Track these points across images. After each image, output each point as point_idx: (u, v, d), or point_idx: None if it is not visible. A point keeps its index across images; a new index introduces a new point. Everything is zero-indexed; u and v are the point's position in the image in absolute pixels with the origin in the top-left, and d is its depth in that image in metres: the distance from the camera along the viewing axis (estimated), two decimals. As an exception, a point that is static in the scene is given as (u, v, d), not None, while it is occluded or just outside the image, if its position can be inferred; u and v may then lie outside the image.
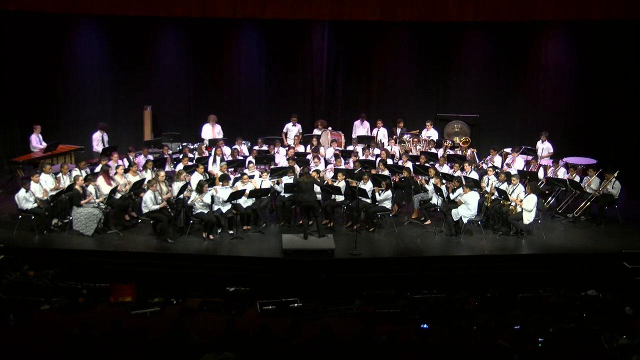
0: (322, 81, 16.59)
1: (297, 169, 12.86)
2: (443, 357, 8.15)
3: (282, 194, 12.20)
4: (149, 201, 11.23)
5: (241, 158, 13.83)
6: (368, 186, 12.02)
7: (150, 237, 11.50)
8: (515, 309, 10.09)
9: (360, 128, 15.83)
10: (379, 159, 13.54)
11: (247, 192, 11.81)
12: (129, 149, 13.88)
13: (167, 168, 13.32)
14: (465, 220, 11.69)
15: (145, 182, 11.86)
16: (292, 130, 15.55)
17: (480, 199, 11.92)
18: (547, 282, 10.68)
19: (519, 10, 14.23)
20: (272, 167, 13.27)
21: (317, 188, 11.79)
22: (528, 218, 11.51)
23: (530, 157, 14.22)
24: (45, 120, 15.27)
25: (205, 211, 11.41)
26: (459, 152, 14.68)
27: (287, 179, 12.23)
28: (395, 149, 14.73)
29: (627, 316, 9.88)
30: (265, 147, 14.48)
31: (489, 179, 12.58)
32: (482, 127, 16.62)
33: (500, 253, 11.27)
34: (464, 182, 12.03)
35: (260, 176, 12.42)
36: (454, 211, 11.70)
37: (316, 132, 15.38)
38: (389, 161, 13.62)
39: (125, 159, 13.29)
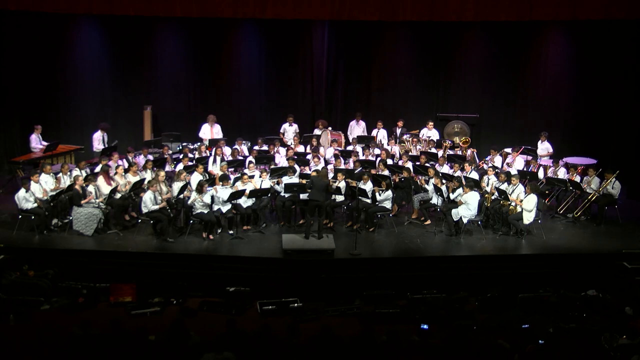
0: (322, 81, 16.58)
1: (297, 168, 12.87)
2: (443, 357, 8.15)
3: (282, 194, 12.20)
4: (148, 201, 11.23)
5: (241, 158, 13.83)
6: (368, 186, 12.02)
7: (150, 237, 11.50)
8: (515, 309, 10.09)
9: (357, 128, 15.82)
10: (379, 159, 13.54)
11: (247, 192, 11.82)
12: (128, 149, 13.88)
13: (167, 168, 13.32)
14: (465, 220, 11.69)
15: (145, 182, 11.86)
16: (289, 130, 15.55)
17: (480, 199, 11.92)
18: (547, 282, 10.68)
19: (519, 10, 14.24)
20: (272, 167, 13.27)
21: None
22: (528, 218, 11.51)
23: (530, 157, 14.22)
24: (45, 120, 15.29)
25: (205, 211, 11.41)
26: (459, 152, 14.68)
27: (287, 179, 12.23)
28: (395, 149, 14.73)
29: (627, 316, 9.89)
30: (265, 147, 14.48)
31: (489, 179, 12.58)
32: (482, 127, 16.63)
33: (500, 253, 11.27)
34: (464, 182, 12.03)
35: (260, 176, 12.42)
36: (454, 211, 11.70)
37: (316, 132, 15.39)
38: (389, 161, 13.63)
39: (125, 159, 13.29)
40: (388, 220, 12.30)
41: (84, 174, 11.98)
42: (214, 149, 13.83)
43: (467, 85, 16.71)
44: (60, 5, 14.11)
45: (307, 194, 11.57)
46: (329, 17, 15.06)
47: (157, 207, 11.27)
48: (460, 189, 11.85)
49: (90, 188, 11.63)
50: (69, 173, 12.32)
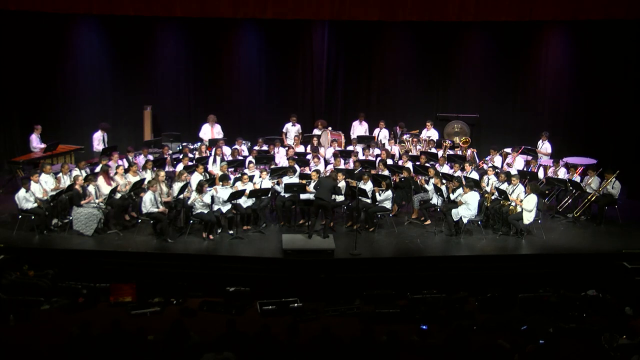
0: (322, 81, 16.59)
1: (297, 169, 12.87)
2: (443, 357, 8.16)
3: (282, 194, 12.20)
4: (148, 202, 11.23)
5: (241, 158, 13.83)
6: (368, 186, 12.01)
7: (150, 237, 11.49)
8: (515, 309, 10.09)
9: (359, 128, 15.84)
10: (379, 159, 13.54)
11: (247, 192, 11.82)
12: (128, 149, 13.88)
13: (167, 168, 13.31)
14: (465, 220, 11.69)
15: (145, 182, 11.86)
16: (292, 130, 15.55)
17: (480, 199, 11.92)
18: (547, 282, 10.69)
19: (519, 10, 14.25)
20: (272, 167, 13.27)
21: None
22: (528, 218, 11.51)
23: (530, 157, 14.23)
24: (45, 120, 15.27)
25: (205, 211, 11.41)
26: (459, 152, 14.68)
27: (287, 179, 12.24)
28: (395, 149, 14.74)
29: (627, 316, 9.89)
30: (265, 147, 14.48)
31: (489, 179, 12.58)
32: (482, 127, 16.63)
33: (500, 253, 11.27)
34: (464, 182, 12.03)
35: (260, 176, 12.42)
36: (454, 211, 11.70)
37: (316, 132, 15.39)
38: (389, 161, 13.63)
39: (125, 159, 13.29)
40: (388, 220, 12.30)
41: (84, 174, 11.98)
42: (214, 149, 13.83)
43: (467, 85, 16.72)
44: (60, 5, 14.12)
45: (313, 193, 11.54)
46: (329, 17, 15.08)
47: (156, 210, 11.26)
48: (460, 189, 11.84)
49: (90, 188, 11.62)
50: (69, 173, 12.31)
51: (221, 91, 16.77)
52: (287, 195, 12.05)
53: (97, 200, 11.61)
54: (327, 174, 11.86)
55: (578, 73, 15.93)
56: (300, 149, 14.53)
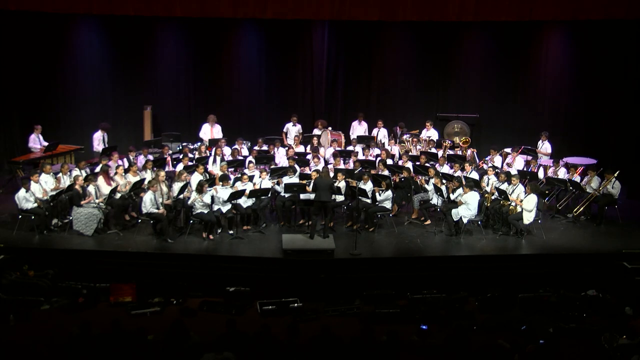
0: (322, 81, 16.59)
1: (297, 168, 12.87)
2: (443, 357, 8.16)
3: (282, 194, 12.20)
4: (148, 202, 11.23)
5: (241, 158, 13.83)
6: (368, 186, 12.01)
7: (150, 237, 11.50)
8: (515, 309, 10.09)
9: (359, 128, 15.83)
10: (379, 159, 13.54)
11: (247, 192, 11.82)
12: (130, 148, 13.87)
13: (167, 168, 13.31)
14: (465, 220, 11.69)
15: (146, 182, 11.86)
16: (292, 130, 15.55)
17: (480, 199, 11.92)
18: (547, 282, 10.69)
19: (519, 10, 14.25)
20: (272, 167, 13.27)
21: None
22: (528, 218, 11.51)
23: (530, 157, 14.23)
24: (45, 120, 15.27)
25: (205, 211, 11.41)
26: (459, 152, 14.68)
27: (287, 179, 12.24)
28: (395, 149, 14.73)
29: (627, 316, 9.89)
30: (265, 147, 14.48)
31: (489, 179, 12.59)
32: (482, 127, 16.63)
33: (500, 253, 11.27)
34: (464, 182, 12.03)
35: (260, 176, 12.42)
36: (454, 211, 11.70)
37: (316, 132, 15.39)
38: (389, 161, 13.63)
39: (125, 159, 13.29)
40: (388, 220, 12.30)
41: (84, 174, 11.98)
42: (214, 149, 13.83)
43: (467, 85, 16.72)
44: (60, 5, 14.11)
45: (313, 196, 11.53)
46: (329, 17, 15.08)
47: (155, 211, 11.26)
48: (460, 189, 11.84)
49: (90, 188, 11.63)
50: (69, 173, 12.31)
51: (221, 91, 16.77)
52: (287, 195, 12.05)
53: (97, 200, 11.61)
54: (318, 174, 11.83)
55: (578, 73, 15.93)
56: (300, 149, 14.53)
